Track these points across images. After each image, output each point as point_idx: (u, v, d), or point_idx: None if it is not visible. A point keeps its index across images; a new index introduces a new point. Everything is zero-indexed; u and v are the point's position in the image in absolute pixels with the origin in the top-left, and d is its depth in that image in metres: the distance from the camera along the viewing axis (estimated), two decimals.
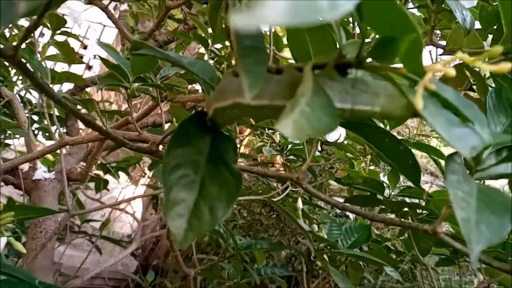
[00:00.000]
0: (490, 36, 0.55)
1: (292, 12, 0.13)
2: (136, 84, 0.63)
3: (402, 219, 0.87)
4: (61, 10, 1.43)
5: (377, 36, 0.32)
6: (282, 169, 1.36)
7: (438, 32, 0.59)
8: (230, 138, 0.38)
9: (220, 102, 0.35)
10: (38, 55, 0.93)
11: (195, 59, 0.47)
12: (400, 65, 0.28)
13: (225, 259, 0.64)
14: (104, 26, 2.04)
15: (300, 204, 0.68)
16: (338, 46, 0.38)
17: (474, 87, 0.50)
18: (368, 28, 0.30)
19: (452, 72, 0.27)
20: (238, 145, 1.31)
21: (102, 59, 0.60)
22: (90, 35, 1.95)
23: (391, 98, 0.31)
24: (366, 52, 0.32)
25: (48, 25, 1.01)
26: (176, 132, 0.35)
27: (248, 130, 1.43)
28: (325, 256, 0.73)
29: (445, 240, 0.38)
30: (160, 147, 0.44)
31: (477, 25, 0.50)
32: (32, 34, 0.95)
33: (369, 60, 0.31)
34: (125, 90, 0.58)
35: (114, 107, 1.55)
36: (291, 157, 0.98)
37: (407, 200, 0.86)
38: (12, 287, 0.42)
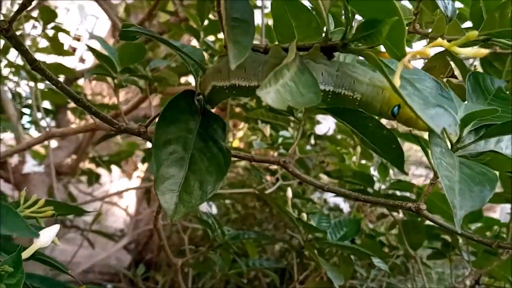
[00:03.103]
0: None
1: None
2: (126, 75, 0.63)
3: (393, 212, 0.87)
4: (53, 2, 1.41)
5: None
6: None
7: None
8: (218, 117, 0.38)
9: (219, 81, 0.35)
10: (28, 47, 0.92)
11: (184, 44, 0.47)
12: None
13: (212, 249, 0.63)
14: (98, 18, 2.03)
15: (290, 193, 0.67)
16: (325, 30, 0.38)
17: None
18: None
19: (428, 52, 0.27)
20: (232, 139, 1.30)
21: (90, 48, 0.59)
22: (83, 28, 1.93)
23: (374, 88, 0.31)
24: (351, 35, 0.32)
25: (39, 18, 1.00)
26: (165, 110, 0.36)
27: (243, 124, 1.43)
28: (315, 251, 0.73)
29: (428, 218, 0.38)
30: None
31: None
32: (22, 26, 0.94)
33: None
34: (113, 80, 0.58)
35: (107, 100, 1.54)
36: (283, 151, 0.98)
37: (398, 193, 0.86)
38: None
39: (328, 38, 0.32)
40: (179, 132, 0.35)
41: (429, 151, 0.34)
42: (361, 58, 0.36)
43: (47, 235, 0.36)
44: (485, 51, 0.27)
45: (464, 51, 0.26)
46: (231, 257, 0.68)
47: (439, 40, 0.27)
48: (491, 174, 0.33)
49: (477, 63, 0.64)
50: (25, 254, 0.35)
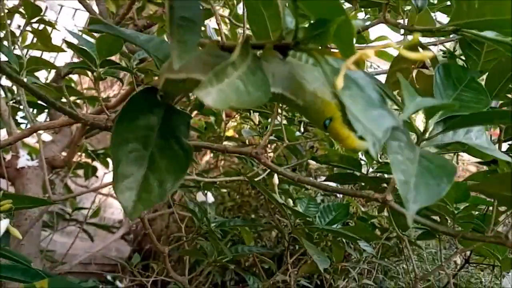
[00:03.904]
0: None
1: None
2: (106, 68, 0.64)
3: (378, 193, 0.88)
4: None
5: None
6: (270, 151, 1.37)
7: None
8: (182, 113, 0.38)
9: (173, 74, 0.35)
10: (17, 44, 0.93)
11: (152, 36, 0.47)
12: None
13: (199, 235, 0.65)
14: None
15: (276, 180, 0.68)
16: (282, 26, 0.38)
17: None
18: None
19: (370, 54, 0.27)
20: (226, 129, 1.31)
21: (67, 43, 0.60)
22: (75, 23, 1.93)
23: (314, 98, 0.30)
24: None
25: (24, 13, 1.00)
26: (126, 107, 0.35)
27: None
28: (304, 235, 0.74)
29: (394, 208, 0.39)
30: None
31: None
32: (7, 22, 0.95)
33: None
34: (92, 74, 0.59)
35: (102, 94, 1.55)
36: (273, 137, 0.98)
37: (386, 176, 0.87)
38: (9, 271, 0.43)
39: (282, 37, 0.32)
40: (140, 130, 0.34)
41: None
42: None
43: None
44: (429, 54, 0.28)
45: (409, 55, 0.26)
46: (220, 243, 0.70)
47: (388, 42, 0.28)
48: (449, 167, 0.33)
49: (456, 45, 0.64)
50: None
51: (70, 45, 0.57)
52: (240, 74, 0.27)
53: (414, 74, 0.47)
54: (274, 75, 0.30)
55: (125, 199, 0.31)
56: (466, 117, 0.35)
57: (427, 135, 0.37)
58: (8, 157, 1.00)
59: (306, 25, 0.35)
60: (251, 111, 1.16)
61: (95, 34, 0.95)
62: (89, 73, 0.60)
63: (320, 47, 0.31)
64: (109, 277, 1.31)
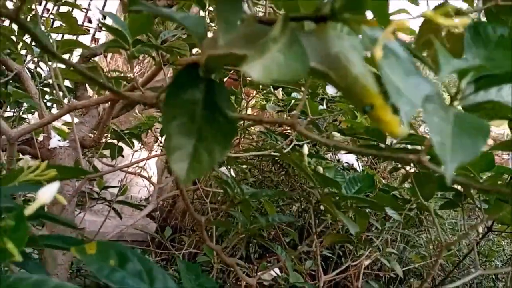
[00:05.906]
0: None
1: None
2: (138, 46, 0.66)
3: (405, 166, 0.90)
4: None
5: None
6: (288, 127, 1.39)
7: None
8: (223, 87, 0.41)
9: (215, 50, 0.37)
10: (42, 27, 0.95)
11: (188, 14, 0.49)
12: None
13: (233, 205, 0.68)
14: None
15: (305, 150, 0.70)
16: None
17: None
18: None
19: (407, 25, 0.28)
20: (245, 107, 1.33)
21: (103, 24, 0.62)
22: (93, 7, 1.95)
23: (355, 81, 0.29)
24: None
25: None
26: (172, 84, 0.38)
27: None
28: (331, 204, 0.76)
29: (430, 167, 0.40)
30: None
31: None
32: (34, 7, 0.97)
33: None
34: (126, 52, 0.61)
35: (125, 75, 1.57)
36: (295, 112, 1.00)
37: (409, 147, 0.88)
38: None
39: (318, 8, 0.32)
40: (186, 105, 0.36)
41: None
42: None
43: (48, 192, 0.36)
44: (465, 21, 0.29)
45: (445, 22, 0.28)
46: (251, 213, 0.73)
47: (425, 12, 0.29)
48: (484, 125, 0.32)
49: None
50: (27, 211, 0.34)
51: (104, 25, 0.59)
52: (280, 47, 0.28)
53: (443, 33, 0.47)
54: (318, 51, 0.30)
55: (179, 169, 0.34)
56: (498, 76, 0.36)
57: (459, 96, 0.38)
58: (40, 138, 1.04)
59: None
60: (271, 87, 1.17)
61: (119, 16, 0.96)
62: (123, 51, 0.62)
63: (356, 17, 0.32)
64: (139, 252, 1.36)
